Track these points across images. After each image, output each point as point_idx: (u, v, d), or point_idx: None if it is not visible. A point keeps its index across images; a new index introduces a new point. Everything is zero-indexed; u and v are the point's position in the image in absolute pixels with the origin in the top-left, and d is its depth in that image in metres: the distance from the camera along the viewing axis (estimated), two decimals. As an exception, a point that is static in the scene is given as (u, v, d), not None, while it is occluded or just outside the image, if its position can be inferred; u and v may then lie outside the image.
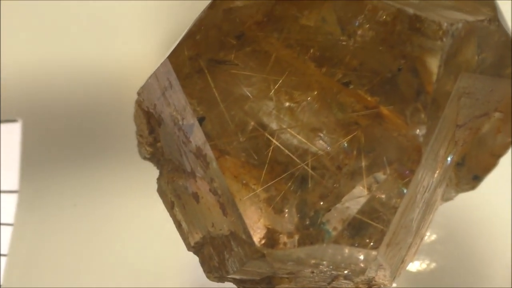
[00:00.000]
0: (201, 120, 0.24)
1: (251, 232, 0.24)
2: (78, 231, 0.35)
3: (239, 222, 0.24)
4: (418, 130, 0.24)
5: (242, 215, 0.24)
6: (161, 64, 0.25)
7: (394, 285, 0.28)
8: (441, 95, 0.25)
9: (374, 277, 0.26)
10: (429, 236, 0.35)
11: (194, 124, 0.25)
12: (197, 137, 0.25)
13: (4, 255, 0.33)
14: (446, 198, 0.30)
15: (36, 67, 0.35)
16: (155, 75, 0.26)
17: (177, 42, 0.25)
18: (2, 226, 0.33)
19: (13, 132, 0.33)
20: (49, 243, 0.35)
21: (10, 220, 0.34)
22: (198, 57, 0.25)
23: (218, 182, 0.25)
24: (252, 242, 0.24)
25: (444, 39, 0.24)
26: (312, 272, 0.25)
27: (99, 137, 0.36)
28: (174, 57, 0.25)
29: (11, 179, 0.34)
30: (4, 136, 0.33)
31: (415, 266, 0.35)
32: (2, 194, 0.33)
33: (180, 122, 0.25)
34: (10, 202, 0.33)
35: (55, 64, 0.35)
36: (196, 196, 0.26)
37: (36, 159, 0.35)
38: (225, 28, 0.25)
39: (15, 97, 0.35)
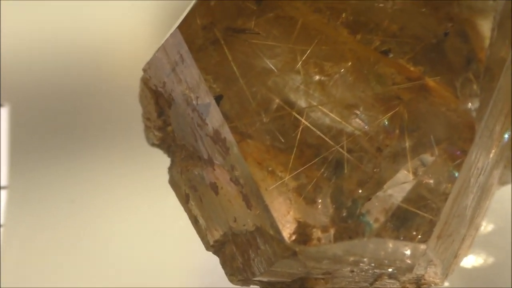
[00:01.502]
0: (218, 99, 0.24)
1: (280, 227, 0.23)
2: (77, 230, 0.35)
3: (265, 215, 0.24)
4: (470, 104, 0.24)
5: (269, 208, 0.24)
6: (170, 35, 0.25)
7: (446, 284, 0.28)
8: (495, 62, 0.24)
9: (423, 275, 0.26)
10: (485, 226, 0.35)
11: (210, 104, 0.24)
12: (214, 118, 0.24)
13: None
14: (503, 182, 0.29)
15: (23, 45, 0.35)
16: (163, 48, 0.25)
17: (188, 9, 0.25)
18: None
19: (-1, 119, 0.33)
20: (43, 244, 0.35)
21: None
22: (212, 26, 0.24)
23: (240, 170, 0.24)
24: (282, 238, 0.24)
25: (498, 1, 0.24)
26: (352, 271, 0.25)
27: (99, 122, 0.36)
28: (185, 27, 0.25)
29: (-1, 173, 0.34)
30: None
31: (469, 261, 0.35)
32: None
33: (194, 102, 0.25)
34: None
35: (45, 39, 0.35)
36: (214, 187, 0.25)
37: (27, 149, 0.35)
38: None
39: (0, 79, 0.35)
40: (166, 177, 0.28)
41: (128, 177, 0.36)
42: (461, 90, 0.24)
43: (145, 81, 0.27)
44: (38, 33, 0.36)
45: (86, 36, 0.36)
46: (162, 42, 0.26)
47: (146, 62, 0.27)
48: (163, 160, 0.29)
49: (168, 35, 0.26)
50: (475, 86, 0.24)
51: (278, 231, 0.24)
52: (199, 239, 0.28)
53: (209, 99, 0.24)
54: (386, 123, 0.24)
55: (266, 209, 0.24)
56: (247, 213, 0.25)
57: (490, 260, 0.35)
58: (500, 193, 0.31)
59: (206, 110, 0.25)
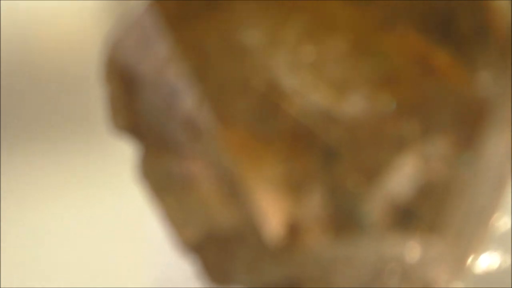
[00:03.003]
0: (196, 82, 0.23)
1: (266, 224, 0.23)
2: (25, 232, 0.35)
3: (249, 211, 0.23)
4: (484, 84, 0.23)
5: (253, 202, 0.23)
6: (140, 8, 0.25)
7: (458, 285, 0.28)
8: None
9: (431, 276, 0.26)
10: (500, 222, 0.34)
11: (187, 87, 0.24)
12: (189, 101, 0.24)
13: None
14: None
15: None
16: (131, 22, 0.25)
17: None
18: None
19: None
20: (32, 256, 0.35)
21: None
22: None
23: (219, 160, 0.24)
24: (268, 237, 0.23)
25: None
26: (349, 271, 0.25)
27: (53, 106, 0.36)
28: (158, 1, 0.24)
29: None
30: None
31: (483, 260, 0.35)
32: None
33: (166, 83, 0.24)
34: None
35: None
36: (190, 180, 0.25)
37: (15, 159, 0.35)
38: None
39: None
40: (130, 169, 0.28)
41: (87, 169, 0.36)
42: (474, 63, 0.23)
43: (110, 61, 0.26)
44: None
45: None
46: (132, 16, 0.25)
47: (110, 37, 0.26)
48: (128, 150, 0.28)
49: (138, 8, 0.25)
50: (490, 64, 0.23)
51: (264, 229, 0.23)
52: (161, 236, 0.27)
53: (186, 82, 0.24)
54: (391, 105, 0.23)
55: (250, 205, 0.23)
56: (228, 209, 0.24)
57: (507, 260, 0.35)
58: None
59: (181, 92, 0.24)
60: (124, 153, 0.30)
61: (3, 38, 0.37)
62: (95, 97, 0.31)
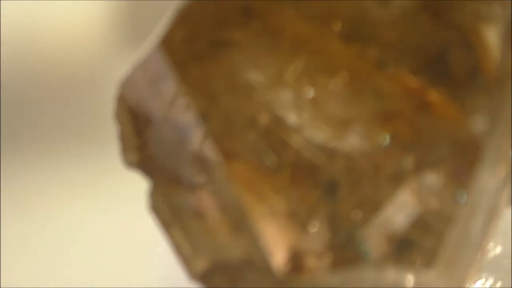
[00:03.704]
0: (203, 118, 0.24)
1: (271, 256, 0.24)
2: (46, 264, 0.36)
3: (255, 243, 0.24)
4: (477, 119, 0.24)
5: (259, 235, 0.24)
6: (149, 49, 0.25)
7: None
8: (505, 74, 0.24)
9: None
10: (493, 249, 0.35)
11: (194, 122, 0.24)
12: (198, 138, 0.24)
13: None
14: (510, 202, 0.29)
15: None
16: (141, 63, 0.26)
17: (167, 20, 0.25)
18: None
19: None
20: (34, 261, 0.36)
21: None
22: (195, 38, 0.25)
23: (226, 194, 0.24)
24: (273, 268, 0.24)
25: (506, 5, 0.24)
26: None
27: (67, 141, 0.36)
28: (166, 40, 0.25)
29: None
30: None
31: (476, 286, 0.35)
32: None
33: (175, 120, 0.25)
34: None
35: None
36: (199, 214, 0.25)
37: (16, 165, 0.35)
38: (227, 1, 0.25)
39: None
40: (144, 202, 0.28)
41: (102, 202, 0.36)
42: (466, 104, 0.24)
43: (121, 99, 0.27)
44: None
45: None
46: (141, 57, 0.26)
47: (121, 77, 0.27)
48: (141, 185, 0.29)
49: (145, 48, 0.26)
50: (482, 101, 0.24)
51: (268, 261, 0.24)
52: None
53: (193, 117, 0.24)
54: (386, 140, 0.24)
55: (255, 237, 0.24)
56: (235, 241, 0.25)
57: (498, 284, 0.35)
58: (507, 214, 0.31)
59: (189, 129, 0.25)
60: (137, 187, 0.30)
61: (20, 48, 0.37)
62: (105, 102, 0.31)
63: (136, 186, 0.30)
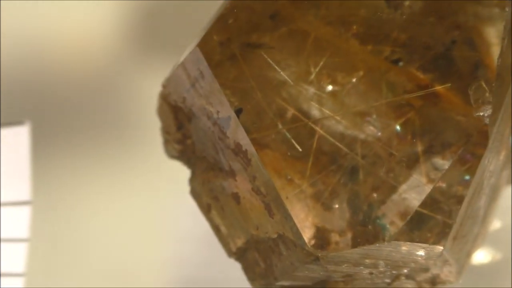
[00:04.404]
0: (238, 112, 0.26)
1: (301, 233, 0.25)
2: (102, 244, 0.37)
3: (286, 222, 0.26)
4: (481, 110, 0.25)
5: (290, 215, 0.26)
6: (189, 52, 0.27)
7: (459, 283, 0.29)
8: (506, 69, 0.26)
9: (439, 274, 0.28)
10: (493, 224, 0.35)
11: (231, 117, 0.26)
12: (235, 131, 0.26)
13: (20, 274, 0.34)
14: (510, 181, 0.31)
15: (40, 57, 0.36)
16: (182, 65, 0.27)
17: (205, 27, 0.27)
18: (15, 243, 0.34)
19: (19, 136, 0.33)
20: (69, 258, 0.37)
21: (24, 235, 0.34)
22: (229, 42, 0.26)
23: (261, 179, 0.26)
24: (304, 244, 0.26)
25: (506, 8, 0.26)
26: (371, 273, 0.27)
27: (119, 136, 0.37)
28: (204, 44, 0.26)
29: (19, 190, 0.34)
30: (8, 140, 0.33)
31: (478, 258, 0.36)
32: (10, 207, 0.34)
33: (215, 116, 0.27)
34: (21, 215, 0.34)
35: (63, 52, 0.37)
36: (236, 197, 0.27)
37: (49, 165, 0.36)
38: (257, 8, 0.27)
39: (19, 95, 0.36)
40: (186, 188, 0.30)
41: (148, 189, 0.37)
42: (471, 96, 0.25)
43: (164, 97, 0.29)
44: (53, 47, 0.37)
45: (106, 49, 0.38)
46: (181, 59, 0.27)
47: (165, 78, 0.29)
48: (182, 172, 0.30)
49: (186, 52, 0.27)
50: (485, 92, 0.25)
51: (299, 237, 0.26)
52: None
53: (230, 113, 0.26)
54: (398, 129, 0.26)
55: (287, 216, 0.26)
56: (268, 221, 0.27)
57: (498, 256, 0.36)
58: (506, 192, 0.32)
59: (227, 124, 0.26)
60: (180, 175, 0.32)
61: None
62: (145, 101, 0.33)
63: (175, 175, 0.31)
